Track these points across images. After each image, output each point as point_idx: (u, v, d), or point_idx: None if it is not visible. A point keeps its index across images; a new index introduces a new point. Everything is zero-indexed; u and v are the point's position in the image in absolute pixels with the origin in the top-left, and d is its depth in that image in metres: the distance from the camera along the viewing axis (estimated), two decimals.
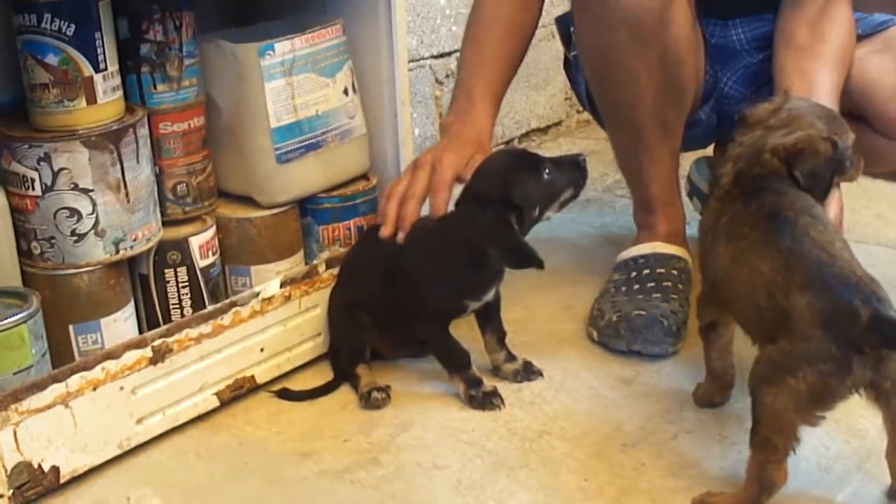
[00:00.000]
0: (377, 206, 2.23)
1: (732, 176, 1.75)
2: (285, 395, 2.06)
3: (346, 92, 2.19)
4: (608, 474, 1.79)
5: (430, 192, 2.03)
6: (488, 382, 2.02)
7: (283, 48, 2.08)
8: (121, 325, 1.95)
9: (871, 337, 1.50)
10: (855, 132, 1.82)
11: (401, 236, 1.99)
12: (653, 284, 2.20)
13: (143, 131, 1.93)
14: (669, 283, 2.21)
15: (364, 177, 2.27)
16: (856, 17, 2.26)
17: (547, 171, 1.94)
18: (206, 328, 1.95)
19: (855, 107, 2.12)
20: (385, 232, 2.00)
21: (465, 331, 2.06)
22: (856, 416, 1.79)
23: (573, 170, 1.98)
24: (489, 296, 2.02)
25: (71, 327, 1.90)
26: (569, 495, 1.74)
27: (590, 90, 2.34)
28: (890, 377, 1.54)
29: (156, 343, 1.88)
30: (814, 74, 2.09)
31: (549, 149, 3.45)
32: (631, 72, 2.15)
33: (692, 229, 2.42)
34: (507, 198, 1.92)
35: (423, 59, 3.05)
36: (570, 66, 2.49)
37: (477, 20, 2.26)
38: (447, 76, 3.07)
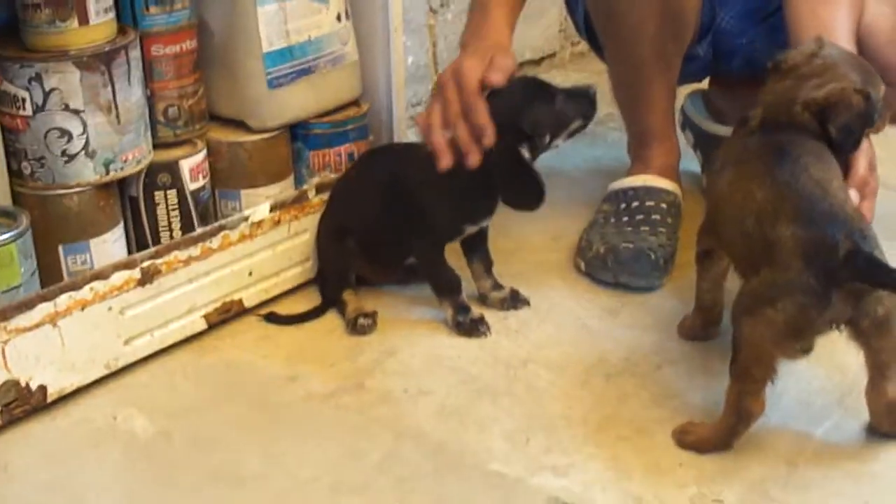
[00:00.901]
0: (369, 132, 2.27)
1: (760, 120, 1.75)
2: (273, 319, 2.08)
3: (339, 18, 2.19)
4: (591, 403, 1.82)
5: (463, 110, 1.94)
6: (476, 310, 2.05)
7: None
8: (110, 246, 1.96)
9: (848, 271, 1.52)
10: None
11: (473, 160, 1.91)
12: (641, 217, 2.21)
13: (135, 53, 1.93)
14: (658, 217, 2.22)
15: (355, 103, 2.27)
16: None
17: (559, 100, 1.96)
18: (194, 251, 1.97)
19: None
20: (445, 164, 1.93)
21: (452, 260, 2.07)
22: (838, 351, 1.79)
23: (583, 100, 2.00)
24: (486, 222, 2.05)
25: (60, 247, 1.91)
26: (552, 423, 1.76)
27: (589, 20, 2.34)
28: (869, 315, 1.56)
29: (144, 264, 1.90)
30: (830, 20, 2.06)
31: None
32: (634, 2, 2.16)
33: (685, 164, 2.44)
34: (520, 127, 1.93)
35: None
36: None
37: None
38: (441, 5, 3.06)
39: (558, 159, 2.50)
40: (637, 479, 1.65)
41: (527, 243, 2.33)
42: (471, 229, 2.04)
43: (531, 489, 1.64)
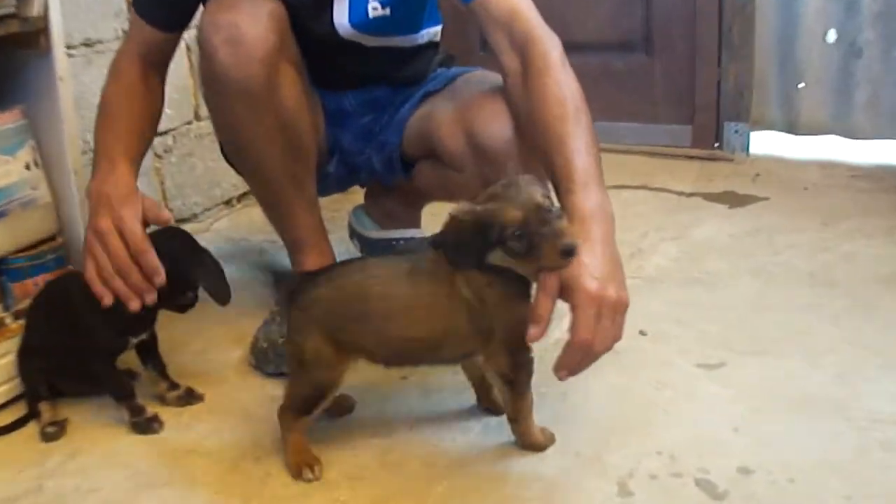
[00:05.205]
0: (67, 261, 1.90)
1: None
2: None
3: (28, 167, 1.84)
4: (239, 485, 1.53)
5: (134, 255, 1.63)
6: (151, 409, 1.71)
7: None
8: None
9: None
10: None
11: (150, 298, 1.62)
12: None
13: None
14: None
15: (52, 238, 1.91)
16: (437, 74, 2.03)
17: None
18: None
19: (428, 150, 1.88)
20: (135, 306, 1.61)
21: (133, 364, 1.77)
22: None
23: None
24: (147, 333, 1.73)
25: None
26: None
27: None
28: None
29: None
30: (563, 140, 1.58)
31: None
32: (252, 136, 1.82)
33: None
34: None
35: None
36: None
37: (106, 109, 1.84)
38: (165, 151, 2.72)
39: (242, 270, 2.22)
40: None
41: (214, 344, 1.99)
42: (134, 341, 1.72)
43: None
